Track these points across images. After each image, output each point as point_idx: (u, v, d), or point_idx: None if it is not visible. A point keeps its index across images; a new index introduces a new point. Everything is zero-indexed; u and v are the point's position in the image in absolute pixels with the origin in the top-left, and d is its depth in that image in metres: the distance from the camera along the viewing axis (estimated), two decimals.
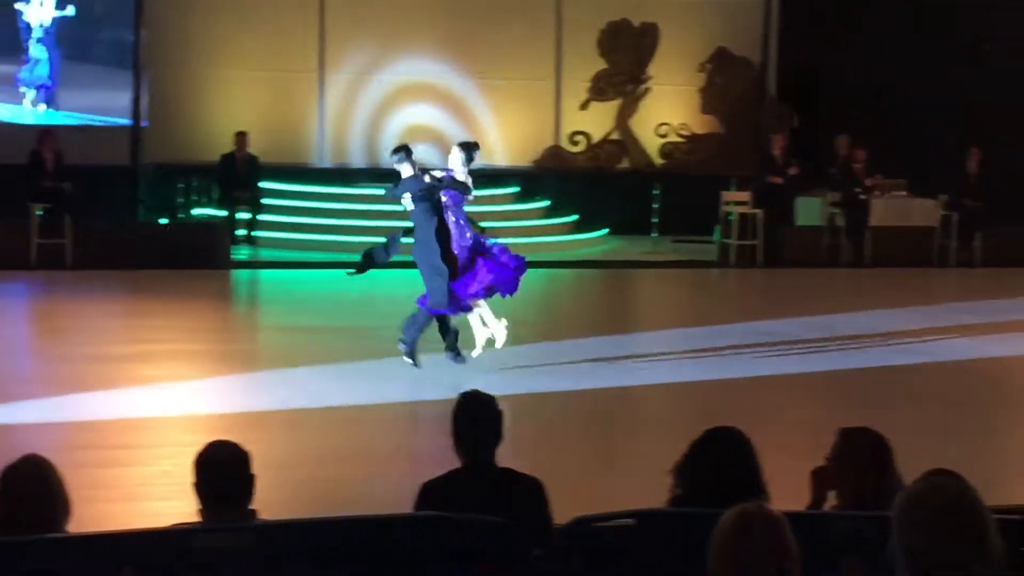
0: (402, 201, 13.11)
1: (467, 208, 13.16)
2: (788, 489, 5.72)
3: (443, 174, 13.14)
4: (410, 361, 12.99)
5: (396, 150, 13.40)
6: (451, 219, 13.00)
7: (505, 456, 6.12)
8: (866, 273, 22.04)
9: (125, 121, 22.16)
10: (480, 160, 24.66)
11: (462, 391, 6.19)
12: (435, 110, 24.75)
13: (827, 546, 4.94)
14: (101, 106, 22.43)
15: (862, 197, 22.91)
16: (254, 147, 22.01)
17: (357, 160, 24.53)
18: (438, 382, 12.24)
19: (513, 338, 13.36)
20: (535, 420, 11.34)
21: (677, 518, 5.40)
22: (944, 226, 23.08)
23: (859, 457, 5.70)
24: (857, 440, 5.78)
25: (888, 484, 5.58)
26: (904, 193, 23.81)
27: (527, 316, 17.89)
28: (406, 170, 13.08)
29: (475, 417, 5.99)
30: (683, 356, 14.25)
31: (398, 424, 11.62)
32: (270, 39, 23.72)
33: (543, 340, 15.14)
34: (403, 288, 19.12)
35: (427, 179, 12.91)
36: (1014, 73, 25.64)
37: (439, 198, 12.92)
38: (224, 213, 21.27)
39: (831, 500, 5.85)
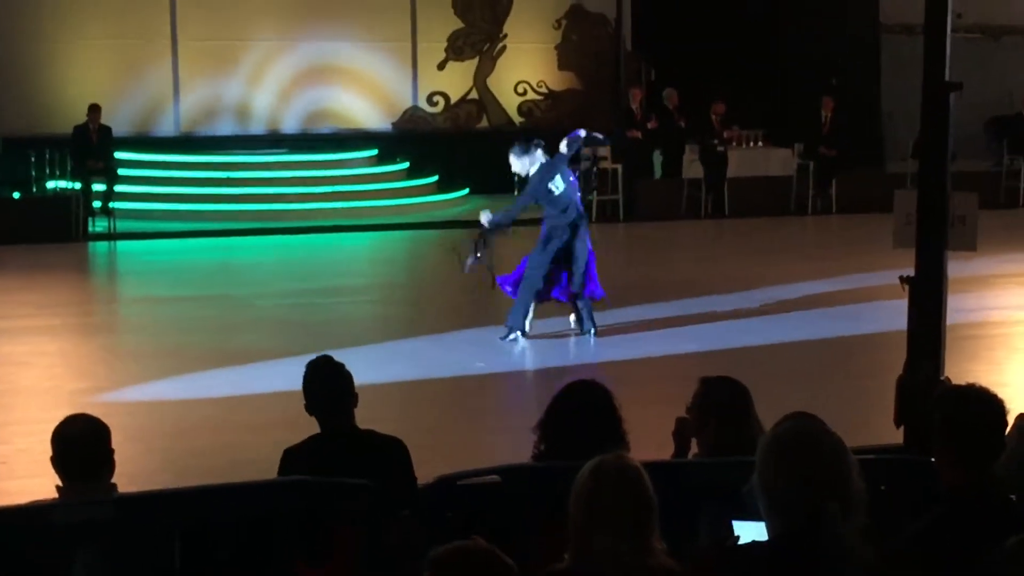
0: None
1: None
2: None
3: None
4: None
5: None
6: None
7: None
8: (727, 223, 22.30)
9: None
10: (337, 124, 24.75)
11: (310, 360, 6.14)
12: (293, 75, 24.52)
13: (687, 493, 5.00)
14: None
15: (720, 149, 23.13)
16: (107, 117, 21.59)
17: (215, 128, 24.22)
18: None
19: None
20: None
21: (541, 472, 5.42)
22: (800, 175, 23.38)
23: (719, 405, 5.74)
24: (717, 388, 5.82)
25: (748, 431, 5.63)
26: (760, 144, 24.07)
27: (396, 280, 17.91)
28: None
29: (327, 382, 5.94)
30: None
31: (266, 392, 11.45)
32: (119, 6, 23.30)
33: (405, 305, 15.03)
34: (258, 255, 19.05)
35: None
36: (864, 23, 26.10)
37: None
38: (79, 185, 20.87)
39: (694, 449, 5.89)
